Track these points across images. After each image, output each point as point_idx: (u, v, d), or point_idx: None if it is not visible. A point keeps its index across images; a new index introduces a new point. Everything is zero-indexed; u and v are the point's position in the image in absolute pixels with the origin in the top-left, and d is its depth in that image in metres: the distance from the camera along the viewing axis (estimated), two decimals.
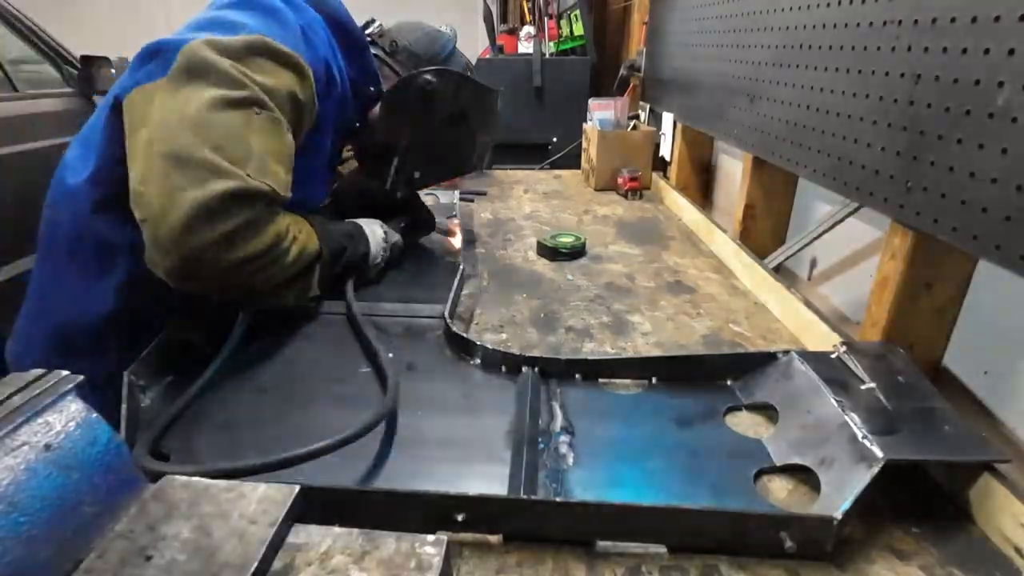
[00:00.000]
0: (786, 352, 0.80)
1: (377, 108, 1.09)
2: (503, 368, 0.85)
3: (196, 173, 0.69)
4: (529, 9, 2.68)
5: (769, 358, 0.81)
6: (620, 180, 1.92)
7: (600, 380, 0.84)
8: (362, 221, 1.08)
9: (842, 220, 1.09)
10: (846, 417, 0.65)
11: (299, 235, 0.85)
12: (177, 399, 0.73)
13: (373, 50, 1.10)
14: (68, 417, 0.41)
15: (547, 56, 2.38)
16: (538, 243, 1.37)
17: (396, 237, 1.16)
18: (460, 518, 0.57)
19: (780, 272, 1.24)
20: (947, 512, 0.63)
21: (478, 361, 0.87)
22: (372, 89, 1.07)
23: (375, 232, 1.08)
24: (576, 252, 1.35)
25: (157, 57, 0.78)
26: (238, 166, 0.72)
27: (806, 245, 1.21)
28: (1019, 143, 0.62)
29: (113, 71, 2.50)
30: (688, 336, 1.00)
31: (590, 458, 0.69)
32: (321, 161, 1.03)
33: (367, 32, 1.12)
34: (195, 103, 0.72)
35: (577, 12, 2.41)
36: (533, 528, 0.58)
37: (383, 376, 0.79)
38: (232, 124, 0.73)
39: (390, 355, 0.89)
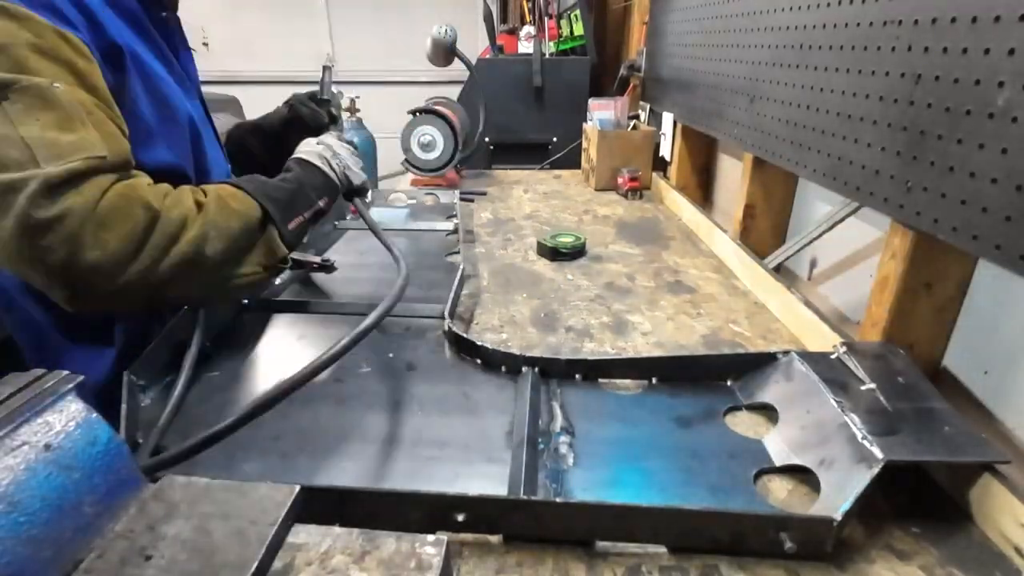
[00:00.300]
0: (786, 352, 0.80)
1: None
2: (503, 368, 0.85)
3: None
4: (529, 9, 2.67)
5: (769, 358, 0.81)
6: (620, 180, 1.92)
7: (600, 380, 0.84)
8: (301, 150, 0.96)
9: (842, 220, 1.09)
10: (846, 417, 0.65)
11: (204, 199, 0.73)
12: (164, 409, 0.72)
13: None
14: (68, 417, 0.41)
15: (547, 56, 2.38)
16: (538, 243, 1.37)
17: (346, 144, 1.04)
18: (460, 518, 0.57)
19: (780, 272, 1.24)
20: (947, 512, 0.63)
21: (478, 361, 0.87)
22: (164, 15, 0.89)
23: (312, 151, 0.96)
24: (576, 252, 1.35)
25: None
26: (27, 168, 0.60)
27: (806, 245, 1.21)
28: (1019, 143, 0.62)
29: None
30: (688, 336, 1.00)
31: (590, 458, 0.69)
32: (153, 88, 0.82)
33: None
34: None
35: (577, 12, 2.40)
36: (533, 528, 0.58)
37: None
38: None
39: (390, 355, 0.90)
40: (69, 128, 0.63)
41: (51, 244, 0.60)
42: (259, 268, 0.80)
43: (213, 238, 0.71)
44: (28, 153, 0.60)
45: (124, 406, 0.68)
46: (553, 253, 1.33)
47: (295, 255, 0.98)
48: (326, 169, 0.95)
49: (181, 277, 0.69)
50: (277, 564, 0.40)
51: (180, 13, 0.95)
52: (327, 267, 1.15)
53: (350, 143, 1.05)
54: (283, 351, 0.91)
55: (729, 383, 0.83)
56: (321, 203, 0.91)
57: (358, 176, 1.00)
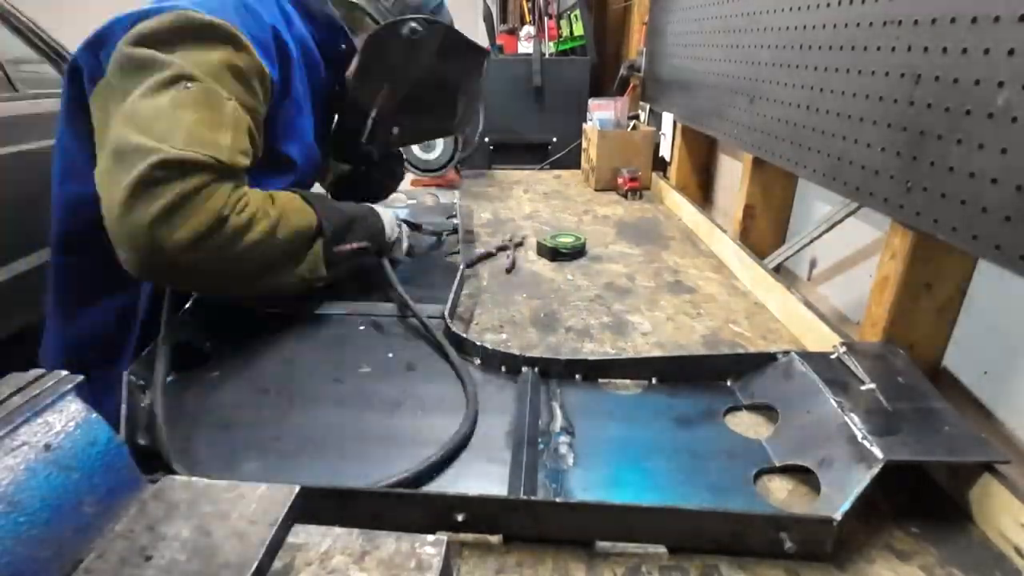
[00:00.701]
0: (786, 352, 0.81)
1: (354, 64, 1.03)
2: (503, 368, 0.85)
3: (127, 159, 0.70)
4: (529, 9, 2.67)
5: (769, 358, 0.81)
6: (620, 180, 1.92)
7: (600, 380, 0.84)
8: (364, 205, 1.05)
9: (842, 220, 1.09)
10: (846, 417, 0.65)
11: (272, 208, 0.81)
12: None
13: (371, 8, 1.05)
14: (68, 417, 0.41)
15: (547, 56, 2.38)
16: (538, 243, 1.37)
17: (404, 226, 1.14)
18: (460, 518, 0.57)
19: (780, 272, 1.24)
20: (947, 512, 0.63)
21: (478, 361, 0.87)
22: (343, 46, 1.01)
23: (385, 212, 1.06)
24: (576, 252, 1.35)
25: (101, 49, 0.79)
26: (163, 141, 0.70)
27: (806, 245, 1.21)
28: (1019, 143, 0.62)
29: None
30: (688, 336, 1.00)
31: (590, 458, 0.69)
32: (302, 133, 0.99)
33: None
34: (129, 99, 0.73)
35: (577, 12, 2.40)
36: (533, 528, 0.58)
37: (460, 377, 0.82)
38: (160, 105, 0.73)
39: (390, 355, 0.90)
40: (214, 129, 0.75)
41: (145, 206, 0.69)
42: (299, 280, 0.88)
43: (271, 243, 0.81)
44: (171, 131, 0.71)
45: (124, 406, 0.68)
46: (553, 253, 1.33)
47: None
48: (388, 226, 1.04)
49: (231, 269, 0.79)
50: (277, 564, 0.40)
51: None
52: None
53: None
54: (282, 351, 0.91)
55: (729, 383, 0.83)
56: (367, 244, 0.98)
57: (400, 252, 1.11)
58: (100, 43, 0.80)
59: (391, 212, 1.09)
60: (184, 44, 0.77)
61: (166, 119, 0.72)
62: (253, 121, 0.82)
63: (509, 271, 1.27)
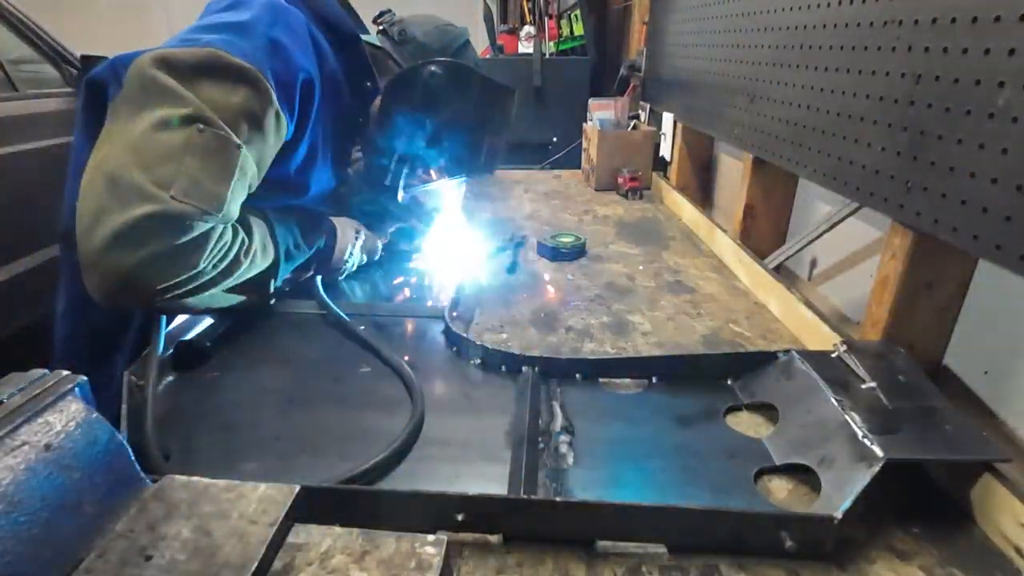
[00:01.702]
0: (786, 352, 0.80)
1: (377, 106, 1.05)
2: (503, 368, 0.85)
3: (123, 195, 0.69)
4: (529, 9, 2.68)
5: (769, 358, 0.81)
6: (620, 180, 1.92)
7: (600, 380, 0.84)
8: (339, 222, 1.09)
9: (842, 220, 1.09)
10: (846, 416, 0.65)
11: (244, 256, 0.83)
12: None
13: (381, 41, 1.07)
14: (68, 417, 0.41)
15: (547, 56, 2.38)
16: (538, 243, 1.37)
17: (374, 243, 1.17)
18: (460, 518, 0.57)
19: (780, 272, 1.24)
20: (947, 512, 0.63)
21: (478, 361, 0.87)
22: (369, 84, 1.04)
23: (346, 234, 1.09)
24: (576, 252, 1.35)
25: (119, 73, 0.79)
26: (163, 188, 0.70)
27: (806, 245, 1.21)
28: (1019, 143, 0.62)
29: None
30: (688, 336, 1.00)
31: (590, 458, 0.69)
32: (317, 162, 1.01)
33: (378, 22, 1.10)
34: (140, 125, 0.73)
35: (577, 12, 2.41)
36: (533, 528, 0.58)
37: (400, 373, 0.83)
38: (170, 144, 0.72)
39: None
40: (217, 181, 0.75)
41: (131, 252, 0.69)
42: (243, 302, 0.90)
43: (233, 284, 0.84)
44: (174, 177, 0.71)
45: (124, 406, 0.69)
46: (553, 253, 1.33)
47: None
48: (339, 252, 1.09)
49: (191, 304, 0.80)
50: (277, 564, 0.40)
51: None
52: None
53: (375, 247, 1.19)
54: (282, 351, 0.91)
55: (729, 382, 0.83)
56: (310, 272, 1.06)
57: (344, 272, 1.13)
58: (116, 69, 0.81)
59: (352, 235, 1.11)
60: (208, 81, 0.77)
61: (173, 163, 0.72)
62: (259, 165, 0.83)
63: (510, 271, 1.27)
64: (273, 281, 0.93)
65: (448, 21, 1.14)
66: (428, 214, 1.27)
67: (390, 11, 1.11)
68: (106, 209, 0.69)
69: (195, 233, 0.73)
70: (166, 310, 0.82)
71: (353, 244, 1.10)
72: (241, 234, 0.83)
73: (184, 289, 0.75)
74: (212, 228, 0.76)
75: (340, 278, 1.12)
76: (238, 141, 0.78)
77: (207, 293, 0.79)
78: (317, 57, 0.93)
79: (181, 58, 0.76)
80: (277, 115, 0.83)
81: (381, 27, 1.09)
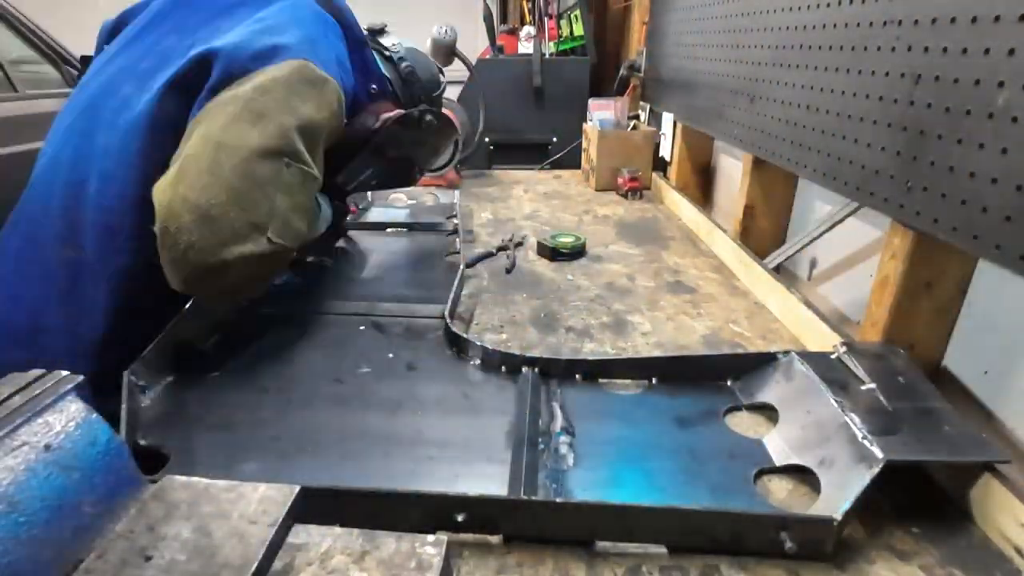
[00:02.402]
0: (786, 352, 0.80)
1: (371, 106, 1.10)
2: (503, 368, 0.85)
3: (220, 233, 0.73)
4: (529, 9, 2.67)
5: (769, 358, 0.81)
6: (620, 180, 1.92)
7: (600, 380, 0.84)
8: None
9: (842, 220, 1.09)
10: (846, 417, 0.65)
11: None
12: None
13: (386, 68, 1.14)
14: (68, 417, 0.41)
15: (547, 56, 2.38)
16: (538, 243, 1.37)
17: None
18: (460, 518, 0.57)
19: (780, 272, 1.24)
20: (947, 512, 0.63)
21: (478, 361, 0.87)
22: (374, 88, 1.09)
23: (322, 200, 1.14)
24: (576, 252, 1.35)
25: (219, 70, 0.82)
26: (260, 230, 0.76)
27: (806, 245, 1.21)
28: (1019, 143, 0.62)
29: None
30: (688, 336, 1.00)
31: (590, 458, 0.69)
32: None
33: (384, 45, 1.17)
34: (242, 151, 0.76)
35: (577, 12, 2.40)
36: (533, 528, 0.58)
37: None
38: (263, 180, 0.77)
39: (390, 355, 0.90)
40: (301, 217, 0.83)
41: (223, 279, 0.76)
42: None
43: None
44: (267, 217, 0.77)
45: (124, 406, 0.68)
46: (553, 253, 1.33)
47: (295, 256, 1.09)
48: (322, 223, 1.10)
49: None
50: (277, 564, 0.40)
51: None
52: (323, 265, 1.22)
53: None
54: (282, 351, 0.91)
55: (729, 383, 0.83)
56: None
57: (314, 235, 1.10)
58: (212, 61, 0.83)
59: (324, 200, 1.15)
60: (300, 99, 0.83)
61: (267, 201, 0.77)
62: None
63: (509, 271, 1.27)
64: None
65: (432, 61, 1.27)
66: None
67: (385, 29, 1.19)
68: (199, 247, 0.73)
69: (275, 265, 0.82)
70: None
71: (326, 205, 1.14)
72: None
73: (252, 289, 0.83)
74: (286, 255, 0.82)
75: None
76: (316, 174, 0.85)
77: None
78: (342, 59, 0.99)
79: (276, 77, 0.81)
80: (341, 120, 0.93)
81: (387, 54, 1.16)
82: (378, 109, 1.10)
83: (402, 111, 1.11)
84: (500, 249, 1.38)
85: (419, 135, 1.15)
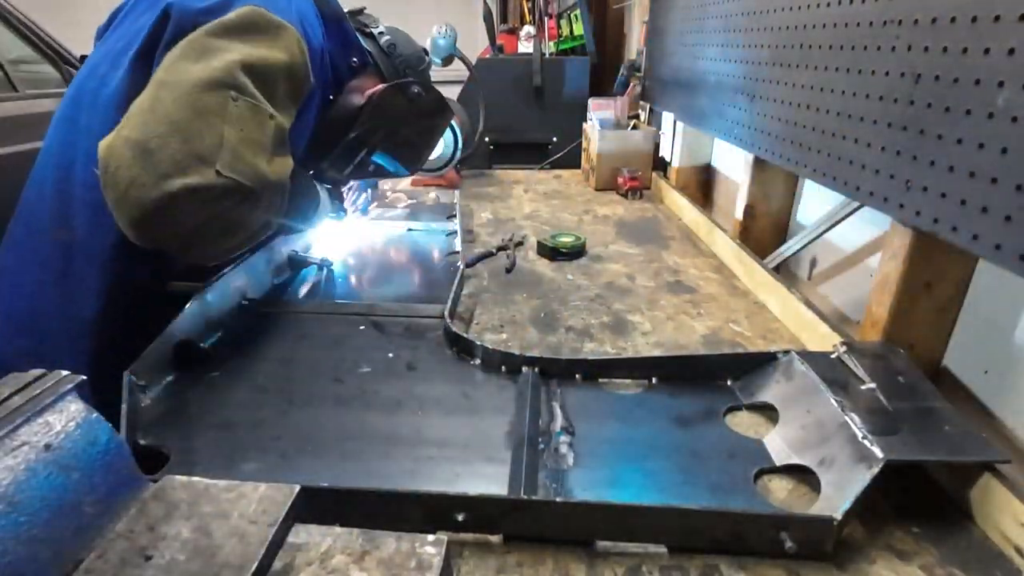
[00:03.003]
0: (786, 352, 0.80)
1: (354, 83, 1.09)
2: (503, 368, 0.85)
3: (159, 167, 0.68)
4: (529, 9, 2.68)
5: (769, 358, 0.81)
6: (620, 180, 1.92)
7: (600, 380, 0.84)
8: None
9: (842, 220, 1.09)
10: (846, 417, 0.65)
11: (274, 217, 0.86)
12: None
13: (368, 44, 1.11)
14: (68, 417, 0.41)
15: (547, 56, 2.38)
16: (538, 243, 1.37)
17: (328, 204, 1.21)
18: (460, 518, 0.57)
19: (780, 272, 1.24)
20: (947, 512, 0.63)
21: (478, 361, 0.87)
22: (355, 60, 1.07)
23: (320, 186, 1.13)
24: (576, 252, 1.35)
25: (172, 25, 0.81)
26: (205, 162, 0.70)
27: (806, 245, 1.21)
28: (1019, 143, 0.62)
29: None
30: (688, 336, 1.00)
31: (590, 458, 0.69)
32: (303, 133, 1.01)
33: (364, 24, 1.14)
34: (183, 85, 0.72)
35: (577, 12, 2.40)
36: (533, 528, 0.58)
37: None
38: (207, 112, 0.72)
39: (390, 355, 0.90)
40: (256, 152, 0.77)
41: (173, 224, 0.71)
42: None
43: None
44: (216, 148, 0.72)
45: (124, 406, 0.68)
46: (553, 253, 1.33)
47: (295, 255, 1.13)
48: (319, 210, 1.10)
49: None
50: (277, 564, 0.40)
51: None
52: (324, 265, 1.21)
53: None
54: (282, 351, 0.91)
55: (729, 383, 0.83)
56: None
57: (314, 223, 1.12)
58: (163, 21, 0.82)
59: (322, 187, 1.14)
60: (249, 41, 0.79)
61: (212, 133, 0.72)
62: (288, 128, 0.84)
63: (509, 271, 1.27)
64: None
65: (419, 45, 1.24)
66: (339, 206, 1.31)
67: (364, 10, 1.16)
68: (139, 182, 0.68)
69: (239, 205, 0.75)
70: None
71: (324, 195, 1.13)
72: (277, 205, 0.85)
73: (217, 250, 0.80)
74: (254, 199, 0.76)
75: (306, 228, 1.13)
76: (271, 111, 0.79)
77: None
78: (312, 26, 0.95)
79: (228, 22, 0.78)
80: (308, 79, 0.87)
81: (367, 30, 1.13)
82: (362, 86, 1.09)
83: (387, 84, 1.09)
84: (500, 249, 1.38)
85: (410, 111, 1.11)
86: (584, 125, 2.15)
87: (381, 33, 1.14)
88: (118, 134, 0.71)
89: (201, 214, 0.72)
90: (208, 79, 0.73)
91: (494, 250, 1.37)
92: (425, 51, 1.22)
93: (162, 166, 0.68)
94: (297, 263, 1.20)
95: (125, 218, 0.70)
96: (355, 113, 1.07)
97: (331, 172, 1.15)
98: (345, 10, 1.10)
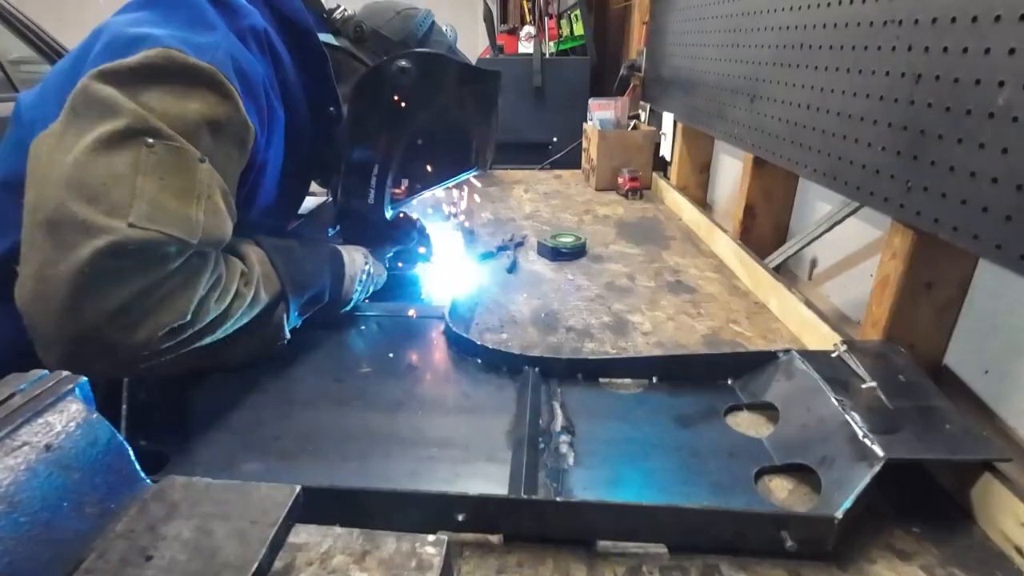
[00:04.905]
0: (787, 351, 0.80)
1: (345, 117, 0.93)
2: (504, 368, 0.85)
3: (68, 238, 0.56)
4: (529, 9, 2.68)
5: (770, 357, 0.81)
6: (620, 180, 1.92)
7: (601, 380, 0.84)
8: (345, 248, 0.94)
9: (842, 220, 1.09)
10: (847, 416, 0.65)
11: (245, 288, 0.71)
12: None
13: (337, 40, 0.96)
14: (68, 417, 0.41)
15: (547, 56, 2.38)
16: (539, 243, 1.37)
17: (380, 270, 1.03)
18: (460, 518, 0.57)
19: (780, 272, 1.24)
20: (948, 511, 0.63)
21: (479, 361, 0.87)
22: (332, 109, 0.91)
23: (355, 262, 0.93)
24: (577, 252, 1.35)
25: (53, 92, 0.66)
26: (116, 217, 0.57)
27: (806, 245, 1.21)
28: (1019, 143, 0.62)
29: None
30: (688, 336, 1.00)
31: (590, 458, 0.69)
32: (269, 181, 0.86)
33: (334, 18, 0.97)
34: (76, 149, 0.59)
35: (577, 12, 2.40)
36: (533, 528, 0.58)
37: None
38: (114, 165, 0.59)
39: (390, 355, 0.90)
40: (183, 200, 0.62)
41: (97, 303, 0.57)
42: (256, 349, 0.78)
43: (239, 324, 0.71)
44: (128, 201, 0.58)
45: (124, 406, 0.68)
46: (554, 253, 1.33)
47: None
48: (348, 280, 0.92)
49: (193, 357, 0.67)
50: (278, 564, 0.40)
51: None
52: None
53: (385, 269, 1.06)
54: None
55: (730, 382, 0.83)
56: (321, 303, 0.88)
57: (341, 306, 0.94)
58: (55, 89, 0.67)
59: (362, 262, 0.95)
60: (159, 88, 0.63)
61: (123, 186, 0.58)
62: (228, 184, 0.70)
63: (510, 271, 1.27)
64: (286, 318, 0.79)
65: (408, 4, 1.02)
66: (423, 232, 1.15)
67: (339, 6, 0.98)
68: (50, 263, 0.56)
69: (170, 266, 0.60)
70: (152, 369, 0.64)
71: (363, 270, 0.95)
72: (238, 264, 0.72)
73: (179, 339, 0.62)
74: (201, 260, 0.64)
75: (346, 309, 0.95)
76: (198, 153, 0.65)
77: (207, 344, 0.66)
78: (273, 60, 0.81)
79: (126, 65, 0.62)
80: (245, 123, 0.70)
81: (335, 26, 0.97)
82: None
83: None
84: (500, 249, 1.38)
85: (409, 92, 0.89)
86: (584, 125, 2.15)
87: (347, 21, 0.96)
88: (27, 225, 0.59)
89: (127, 289, 0.58)
90: (113, 130, 0.60)
91: (494, 250, 1.37)
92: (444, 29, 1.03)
93: (69, 236, 0.56)
94: None
95: (43, 320, 0.57)
96: (344, 136, 0.91)
97: (359, 206, 0.97)
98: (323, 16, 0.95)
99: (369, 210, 0.98)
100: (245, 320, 0.71)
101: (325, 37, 0.95)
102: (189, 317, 0.62)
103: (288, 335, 0.81)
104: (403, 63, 0.88)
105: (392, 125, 0.92)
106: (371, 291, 1.01)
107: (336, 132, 0.94)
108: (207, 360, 0.70)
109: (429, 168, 1.01)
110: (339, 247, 0.94)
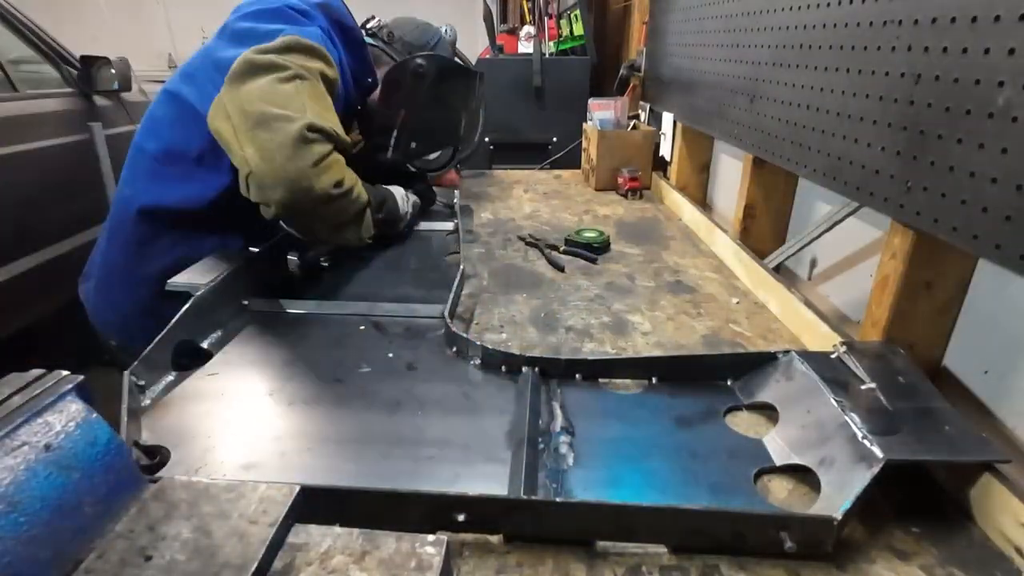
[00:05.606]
0: (786, 352, 0.80)
1: (376, 93, 1.31)
2: (503, 368, 0.85)
3: (277, 124, 0.90)
4: (529, 9, 2.67)
5: (769, 358, 0.81)
6: (620, 180, 1.92)
7: (600, 380, 0.84)
8: (386, 186, 1.31)
9: (842, 220, 1.09)
10: (846, 417, 0.65)
11: (355, 181, 1.05)
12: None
13: (373, 41, 1.34)
14: (68, 417, 0.41)
15: (547, 56, 2.38)
16: (566, 240, 1.39)
17: (415, 198, 1.42)
18: (460, 518, 0.57)
19: (780, 272, 1.24)
20: (947, 512, 0.63)
21: (478, 361, 0.87)
22: (369, 80, 1.29)
23: (399, 192, 1.33)
24: (603, 246, 1.37)
25: (218, 70, 1.00)
26: (300, 114, 0.92)
27: (806, 245, 1.21)
28: (1019, 143, 0.62)
29: (113, 71, 2.50)
30: (688, 336, 1.00)
31: (590, 458, 0.69)
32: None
33: (368, 27, 1.36)
34: (256, 89, 0.93)
35: (577, 12, 2.40)
36: (533, 528, 0.58)
37: None
38: (286, 91, 0.94)
39: (390, 355, 0.90)
40: (327, 113, 1.00)
41: (304, 156, 0.91)
42: (356, 237, 1.11)
43: (357, 206, 1.07)
44: (303, 107, 0.94)
45: (124, 406, 0.68)
46: (585, 248, 1.36)
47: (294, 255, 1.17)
48: (400, 207, 1.32)
49: (334, 219, 1.03)
50: (277, 564, 0.40)
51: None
52: (320, 266, 1.24)
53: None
54: (282, 351, 0.91)
55: (729, 383, 0.83)
56: (380, 216, 1.22)
57: (402, 223, 1.35)
58: (214, 67, 1.05)
59: (401, 192, 1.33)
60: (296, 55, 0.99)
61: (297, 101, 0.94)
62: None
63: (562, 269, 1.29)
64: (369, 217, 1.12)
65: (424, 21, 1.45)
66: (430, 185, 1.60)
67: (374, 17, 1.40)
68: (268, 141, 0.89)
69: (333, 145, 0.96)
70: (312, 230, 1.02)
71: (405, 196, 1.34)
72: (351, 170, 1.04)
73: (337, 194, 0.97)
74: (338, 148, 0.98)
75: (401, 229, 1.34)
76: (321, 87, 1.01)
77: (343, 210, 1.02)
78: (338, 50, 1.17)
79: (271, 46, 0.98)
80: (338, 82, 1.09)
81: (371, 31, 1.37)
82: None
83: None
84: (530, 245, 1.43)
85: (420, 85, 1.29)
86: (584, 125, 2.14)
87: (381, 28, 1.37)
88: (229, 127, 0.92)
89: (318, 149, 0.92)
90: (279, 76, 0.95)
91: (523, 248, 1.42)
92: (445, 29, 1.45)
93: (275, 124, 0.90)
94: (297, 263, 1.19)
95: (271, 172, 0.89)
96: (375, 102, 1.31)
97: (380, 156, 1.35)
98: (362, 26, 1.34)
99: (390, 162, 1.38)
100: (358, 207, 1.07)
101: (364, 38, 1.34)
102: (345, 181, 1.00)
103: (372, 233, 1.15)
104: (420, 60, 1.30)
105: (409, 102, 1.32)
106: (414, 212, 1.41)
107: (370, 100, 1.32)
108: (349, 231, 1.08)
109: (430, 135, 1.44)
110: (381, 186, 1.30)
